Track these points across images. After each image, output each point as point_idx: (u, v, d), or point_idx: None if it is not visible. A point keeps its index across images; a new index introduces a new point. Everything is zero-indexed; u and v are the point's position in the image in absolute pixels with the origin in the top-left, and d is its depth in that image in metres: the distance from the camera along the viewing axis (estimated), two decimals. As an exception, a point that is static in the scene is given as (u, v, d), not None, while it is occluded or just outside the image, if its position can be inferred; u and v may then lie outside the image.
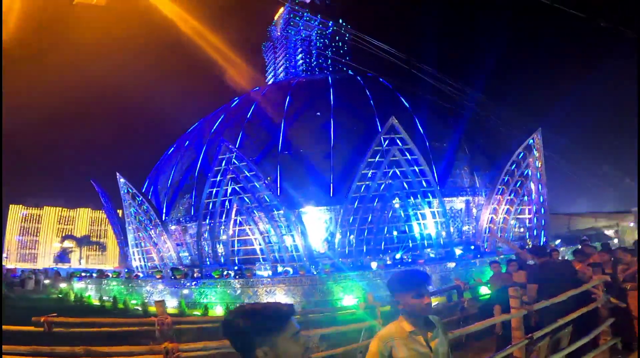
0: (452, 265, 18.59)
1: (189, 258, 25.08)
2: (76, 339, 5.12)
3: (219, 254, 22.99)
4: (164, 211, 26.79)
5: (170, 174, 28.14)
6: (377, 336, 2.17)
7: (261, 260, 21.26)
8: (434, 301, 15.02)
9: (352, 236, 19.79)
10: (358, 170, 19.19)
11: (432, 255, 19.91)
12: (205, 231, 23.28)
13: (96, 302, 22.72)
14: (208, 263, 23.49)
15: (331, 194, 20.72)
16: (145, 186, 29.75)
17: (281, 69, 40.40)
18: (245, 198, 21.35)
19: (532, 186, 19.97)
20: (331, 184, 20.87)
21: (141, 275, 25.09)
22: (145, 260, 27.03)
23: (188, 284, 19.98)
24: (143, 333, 6.25)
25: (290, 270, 19.81)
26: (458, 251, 19.95)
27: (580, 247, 10.03)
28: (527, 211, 20.75)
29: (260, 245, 21.60)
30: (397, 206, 20.12)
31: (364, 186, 19.39)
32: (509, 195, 20.04)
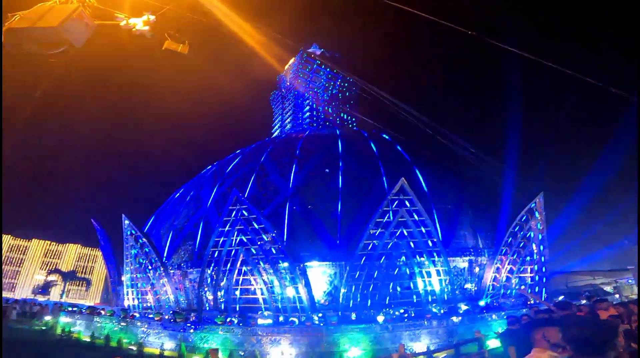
0: (457, 319, 18.66)
1: (186, 302, 24.65)
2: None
3: (219, 300, 22.70)
4: (165, 254, 26.58)
5: (174, 219, 28.20)
6: None
7: (263, 308, 21.05)
8: (443, 353, 15.02)
9: (357, 291, 19.81)
10: (366, 229, 19.58)
11: (435, 310, 19.96)
12: (207, 277, 23.08)
13: (86, 338, 22.04)
14: (207, 308, 23.10)
15: (337, 250, 20.92)
16: (147, 228, 29.60)
17: (289, 119, 41.33)
18: (252, 249, 21.44)
19: (534, 247, 20.49)
20: (337, 241, 21.13)
21: (137, 315, 24.45)
22: (140, 300, 26.46)
23: (189, 328, 19.57)
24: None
25: (296, 320, 19.59)
26: (464, 306, 20.08)
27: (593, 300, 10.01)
28: (529, 270, 21.13)
29: (263, 294, 21.45)
30: (401, 263, 20.37)
31: (371, 244, 19.72)
32: (512, 255, 20.52)
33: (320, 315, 19.63)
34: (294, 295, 20.64)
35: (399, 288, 20.41)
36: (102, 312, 25.16)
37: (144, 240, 26.06)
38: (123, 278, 28.01)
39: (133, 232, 26.31)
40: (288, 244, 21.30)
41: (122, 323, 22.26)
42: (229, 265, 22.15)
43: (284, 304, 20.86)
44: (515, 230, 20.23)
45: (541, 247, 20.46)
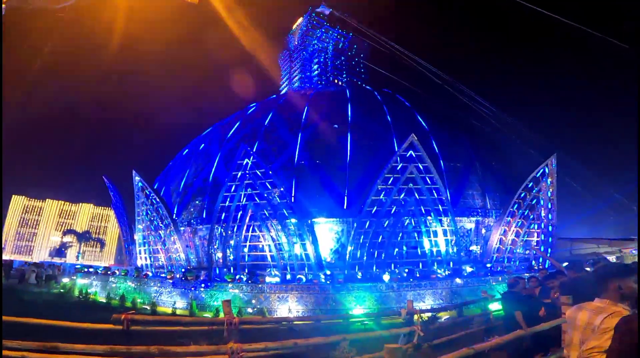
0: (461, 281, 18.66)
1: (196, 260, 24.90)
2: (146, 336, 5.10)
3: (228, 258, 22.86)
4: (175, 212, 26.67)
5: (183, 176, 28.12)
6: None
7: (271, 266, 21.17)
8: (446, 315, 15.09)
9: (363, 249, 19.77)
10: (374, 185, 19.30)
11: (439, 272, 19.93)
12: (216, 234, 23.17)
13: (102, 299, 22.46)
14: (217, 267, 23.33)
15: (345, 207, 20.75)
16: (156, 186, 29.64)
17: (296, 78, 40.55)
18: (261, 205, 21.36)
19: (542, 211, 20.12)
20: (345, 197, 20.92)
21: (150, 274, 24.82)
22: (152, 259, 26.81)
23: (200, 286, 19.80)
24: (196, 333, 6.20)
25: (303, 278, 19.73)
26: (468, 268, 20.02)
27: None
28: (535, 235, 20.84)
29: (271, 251, 21.53)
30: (408, 222, 20.18)
31: (378, 200, 19.45)
32: (520, 218, 20.17)
33: (327, 272, 19.72)
34: (301, 253, 20.68)
35: (405, 248, 20.33)
36: (117, 272, 25.59)
37: (155, 196, 26.11)
38: (135, 237, 28.31)
39: (144, 188, 26.34)
40: (296, 199, 21.17)
41: (136, 283, 22.68)
42: (237, 220, 22.17)
43: (291, 262, 20.96)
44: (523, 194, 19.79)
45: (550, 216, 20.06)
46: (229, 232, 22.45)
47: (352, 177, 21.22)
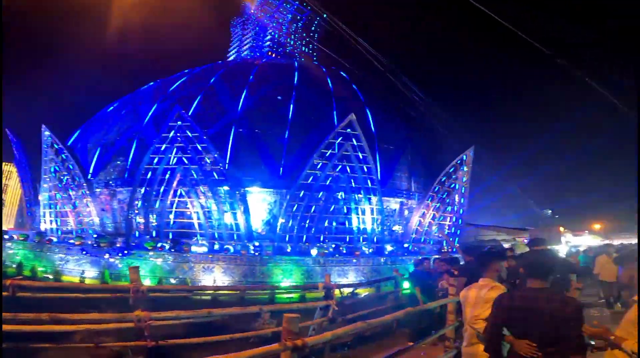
0: (382, 259, 19.61)
1: (113, 225, 22.56)
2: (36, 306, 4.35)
3: (151, 224, 21.08)
4: (91, 172, 23.72)
5: (104, 133, 25.02)
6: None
7: (198, 235, 20.01)
8: (365, 291, 15.70)
9: (294, 222, 19.65)
10: (311, 158, 19.17)
11: (364, 249, 20.70)
12: (139, 198, 21.13)
13: None
14: (137, 233, 21.38)
15: (280, 177, 20.35)
16: (70, 142, 26.00)
17: (247, 47, 38.55)
18: (191, 170, 19.93)
19: (456, 197, 21.93)
20: (281, 168, 20.50)
21: (55, 239, 21.86)
22: (59, 223, 23.66)
23: (116, 254, 18.00)
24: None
25: (231, 248, 18.98)
26: (389, 247, 21.08)
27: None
28: (448, 219, 22.66)
29: (199, 219, 20.32)
30: (339, 198, 20.51)
31: (313, 175, 19.41)
32: (437, 202, 21.73)
33: (256, 244, 19.25)
34: (232, 222, 19.85)
35: (334, 224, 20.66)
36: (15, 237, 22.08)
37: (67, 153, 22.89)
38: (40, 198, 24.66)
39: (55, 144, 22.94)
40: (230, 167, 20.15)
41: (37, 249, 20.06)
42: (164, 185, 20.44)
43: (220, 231, 20.02)
44: (444, 179, 21.35)
45: (462, 199, 21.93)
46: (153, 196, 20.62)
47: (290, 149, 20.84)
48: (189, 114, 21.12)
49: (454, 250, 22.72)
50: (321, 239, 20.20)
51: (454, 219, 22.98)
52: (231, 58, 39.14)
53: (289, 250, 19.63)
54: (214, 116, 22.37)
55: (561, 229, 29.54)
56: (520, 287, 3.29)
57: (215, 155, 19.78)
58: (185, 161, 19.90)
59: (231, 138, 21.24)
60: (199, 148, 19.80)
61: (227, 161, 20.46)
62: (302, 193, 19.52)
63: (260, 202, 20.50)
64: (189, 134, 19.81)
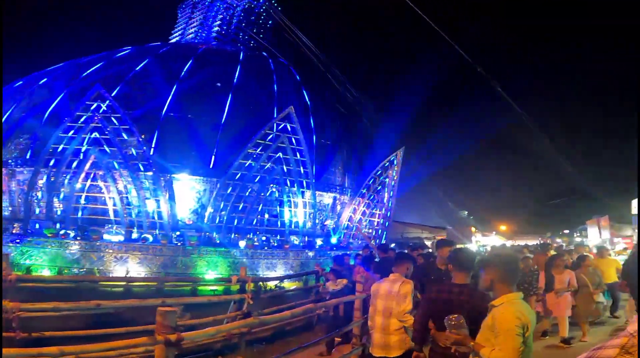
0: (312, 253, 19.33)
1: (11, 209, 19.19)
2: None
3: (55, 209, 18.27)
4: (-14, 147, 19.88)
5: (8, 108, 21.17)
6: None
7: (114, 222, 17.77)
8: (293, 285, 15.24)
9: (224, 212, 18.47)
10: (245, 148, 18.18)
11: (296, 242, 20.27)
12: (43, 179, 18.17)
13: None
14: (38, 218, 18.38)
15: (211, 166, 19.01)
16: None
17: (192, 31, 35.72)
18: (108, 151, 17.63)
19: (386, 194, 22.54)
20: (213, 156, 19.17)
21: None
22: (-61, 204, 19.45)
23: (10, 241, 15.33)
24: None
25: (150, 237, 17.14)
26: (319, 241, 20.89)
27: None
28: (377, 215, 23.22)
29: (115, 205, 18.09)
30: (272, 190, 19.85)
31: (247, 164, 18.45)
32: (368, 198, 22.13)
33: (177, 233, 17.72)
34: (154, 210, 18.00)
35: (266, 216, 19.92)
36: None
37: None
38: None
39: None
40: (156, 152, 18.30)
41: None
42: (74, 166, 17.83)
43: (139, 219, 18.03)
44: (377, 174, 21.81)
45: (391, 196, 22.63)
46: (60, 178, 17.86)
47: (225, 137, 19.62)
48: (114, 93, 18.79)
49: (380, 245, 23.54)
50: (251, 231, 19.31)
51: (382, 216, 23.61)
52: (173, 40, 36.15)
53: (217, 240, 18.43)
54: (144, 96, 20.23)
55: (473, 229, 32.26)
56: (439, 282, 3.52)
57: (140, 138, 17.79)
58: (104, 144, 17.57)
59: (160, 122, 19.35)
60: (120, 129, 17.64)
61: (153, 146, 18.58)
62: (234, 182, 18.44)
63: (189, 190, 18.94)
64: (110, 114, 17.55)
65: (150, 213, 17.92)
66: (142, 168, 17.64)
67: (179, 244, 17.28)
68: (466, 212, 35.89)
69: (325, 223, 22.36)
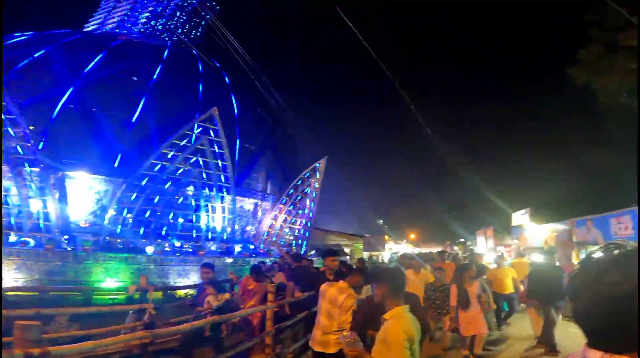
0: (230, 260, 18.21)
1: None
2: None
3: None
4: None
5: None
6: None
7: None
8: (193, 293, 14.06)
9: (129, 215, 16.39)
10: (159, 147, 16.53)
11: (213, 249, 18.96)
12: None
13: None
14: None
15: (116, 165, 16.81)
16: None
17: (115, 20, 31.50)
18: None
19: (308, 202, 22.46)
20: (120, 155, 17.00)
21: None
22: None
23: None
24: None
25: (31, 241, 14.31)
26: (238, 248, 19.83)
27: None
28: (298, 222, 23.00)
29: (-11, 205, 14.79)
30: (189, 194, 18.35)
31: (160, 165, 16.73)
32: (290, 206, 21.79)
33: (66, 237, 15.21)
34: (39, 210, 15.17)
35: (181, 220, 18.26)
36: None
37: None
38: None
39: None
40: (47, 146, 15.52)
41: None
42: None
43: (19, 220, 15.03)
44: (299, 183, 21.61)
45: (312, 204, 22.62)
46: None
47: (136, 135, 17.62)
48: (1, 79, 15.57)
49: (304, 251, 23.28)
50: (162, 236, 17.50)
51: (304, 222, 23.46)
52: (88, 29, 31.78)
53: (120, 245, 16.27)
54: (38, 85, 17.24)
55: (386, 237, 34.10)
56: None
57: (27, 129, 14.93)
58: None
59: (55, 113, 16.58)
60: (5, 119, 14.61)
61: (44, 139, 15.78)
62: (143, 183, 16.53)
63: (87, 190, 16.45)
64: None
65: (35, 213, 15.05)
66: (26, 163, 14.77)
67: (69, 249, 14.80)
68: (382, 221, 38.09)
69: (246, 229, 21.40)
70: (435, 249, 30.91)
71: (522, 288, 6.65)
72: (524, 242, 14.27)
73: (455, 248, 30.33)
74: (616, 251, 0.60)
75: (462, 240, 33.11)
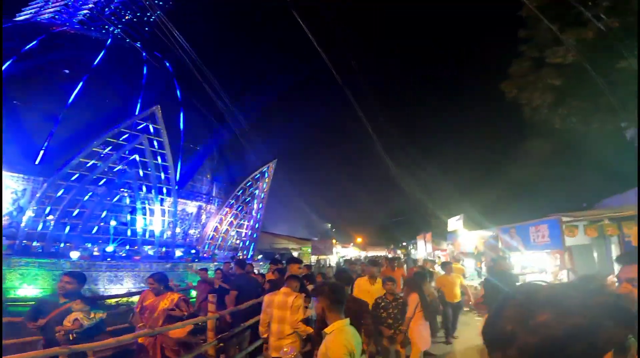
0: (168, 265, 17.09)
1: None
2: None
3: None
4: None
5: None
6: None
7: None
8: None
9: (51, 217, 14.71)
10: (89, 145, 15.04)
11: (150, 253, 17.68)
12: None
13: None
14: None
15: (37, 162, 15.03)
16: None
17: (52, 9, 28.13)
18: None
19: (255, 205, 21.91)
20: (41, 151, 15.23)
21: None
22: None
23: None
24: None
25: None
26: (178, 252, 18.70)
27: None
28: (245, 226, 22.36)
29: None
30: (124, 195, 16.97)
31: (90, 163, 15.27)
32: (236, 209, 21.08)
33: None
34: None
35: (113, 223, 16.78)
36: None
37: None
38: None
39: None
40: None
41: None
42: None
43: None
44: (247, 185, 20.99)
45: (260, 206, 22.13)
46: None
47: (63, 131, 15.89)
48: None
49: (250, 256, 22.61)
50: (90, 240, 15.95)
51: (252, 225, 22.85)
52: (20, 19, 28.30)
53: (38, 249, 14.54)
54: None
55: (334, 241, 34.46)
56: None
57: None
58: None
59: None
60: None
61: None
62: (69, 183, 14.94)
63: (2, 189, 14.46)
64: None
65: None
66: None
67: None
68: (329, 224, 38.34)
69: (188, 233, 20.29)
70: (380, 253, 31.91)
71: (470, 294, 6.54)
72: (458, 247, 14.89)
73: (399, 251, 31.44)
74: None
75: (404, 243, 34.49)
